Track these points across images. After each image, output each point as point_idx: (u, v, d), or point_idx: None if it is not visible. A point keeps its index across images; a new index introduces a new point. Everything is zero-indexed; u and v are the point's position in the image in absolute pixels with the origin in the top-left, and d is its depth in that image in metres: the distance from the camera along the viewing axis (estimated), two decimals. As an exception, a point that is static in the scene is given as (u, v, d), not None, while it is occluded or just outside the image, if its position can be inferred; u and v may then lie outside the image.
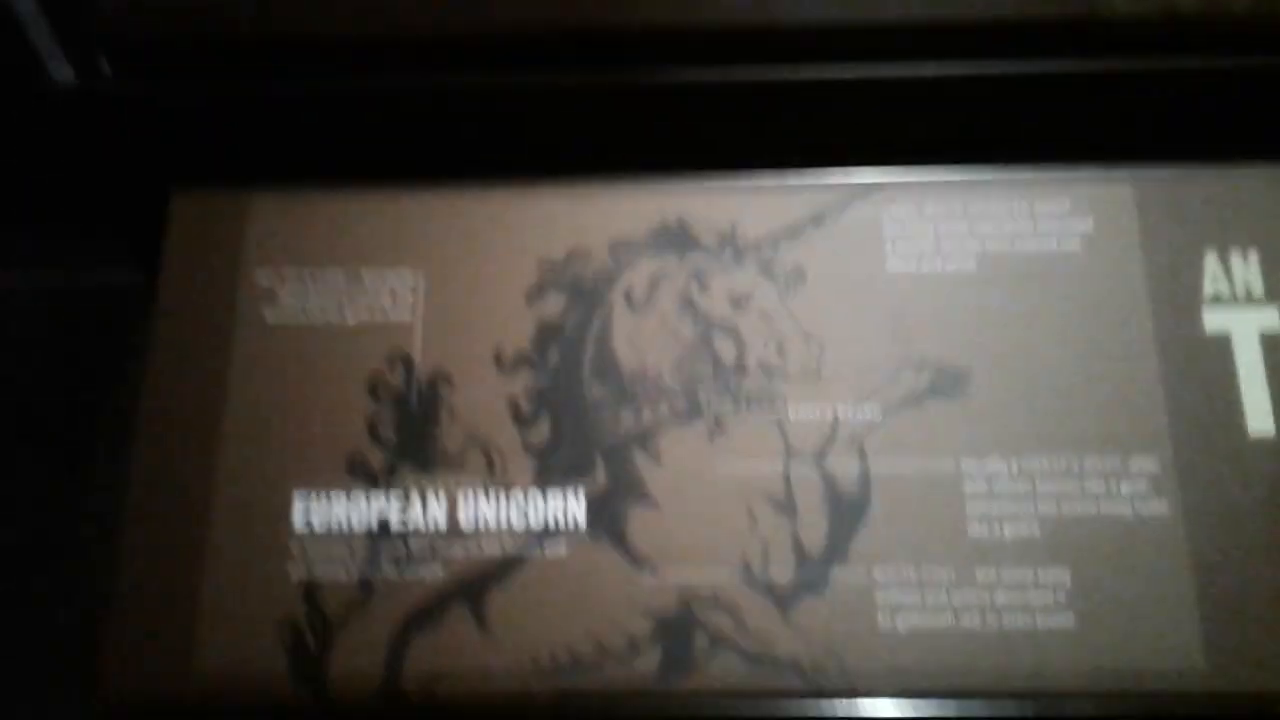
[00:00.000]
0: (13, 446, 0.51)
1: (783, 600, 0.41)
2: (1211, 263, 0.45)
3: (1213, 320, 0.44)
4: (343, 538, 0.42)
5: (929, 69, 0.46)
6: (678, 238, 0.46)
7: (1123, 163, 0.46)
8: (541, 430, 0.44)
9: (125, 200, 0.52)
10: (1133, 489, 0.42)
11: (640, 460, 0.43)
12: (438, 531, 0.42)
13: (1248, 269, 0.44)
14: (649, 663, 0.40)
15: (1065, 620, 0.40)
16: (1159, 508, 0.42)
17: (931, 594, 0.41)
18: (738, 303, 0.45)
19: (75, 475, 0.51)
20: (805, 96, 0.47)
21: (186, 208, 0.48)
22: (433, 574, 0.42)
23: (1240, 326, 0.44)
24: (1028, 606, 0.41)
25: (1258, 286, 0.44)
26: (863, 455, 0.43)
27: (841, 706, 0.40)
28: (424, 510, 0.43)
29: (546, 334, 0.45)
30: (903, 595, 0.41)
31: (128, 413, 0.49)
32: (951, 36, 0.46)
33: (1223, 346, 0.44)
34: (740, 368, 0.44)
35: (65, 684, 0.46)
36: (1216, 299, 0.44)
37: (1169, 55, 0.46)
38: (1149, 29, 0.46)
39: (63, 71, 0.48)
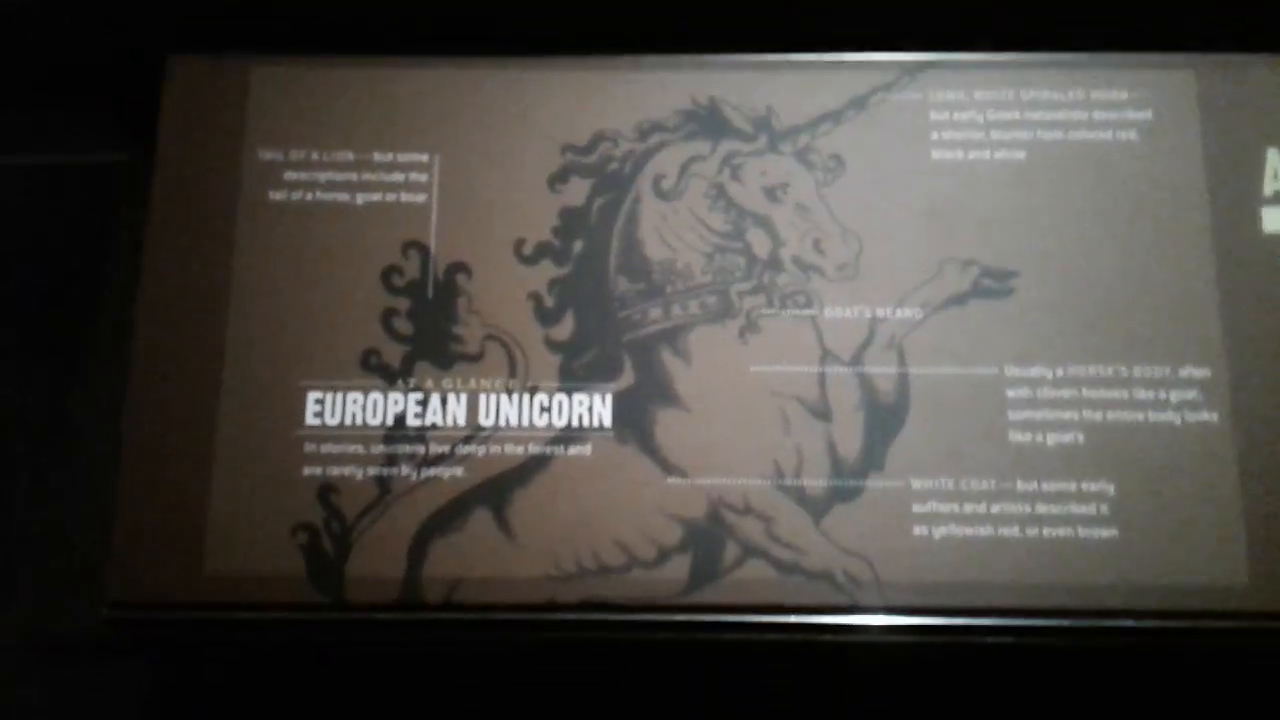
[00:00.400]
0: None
1: (816, 509, 0.40)
2: (1274, 158, 0.42)
3: (1273, 219, 0.42)
4: (358, 436, 0.41)
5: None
6: (710, 121, 0.43)
7: (1185, 49, 0.43)
8: (565, 326, 0.42)
9: (117, 69, 0.48)
10: (1182, 397, 0.40)
11: (669, 359, 0.41)
12: (457, 431, 0.41)
13: (1312, 166, 0.42)
14: (678, 570, 0.39)
15: (1108, 533, 0.39)
16: (1208, 417, 0.40)
17: (970, 504, 0.40)
18: (773, 193, 0.43)
19: (68, 361, 0.48)
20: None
21: (183, 76, 0.44)
22: (452, 475, 0.40)
23: (1301, 227, 0.42)
24: (1069, 518, 0.39)
25: (1322, 185, 0.42)
26: (902, 358, 0.41)
27: (875, 621, 0.39)
28: (443, 408, 0.41)
29: (570, 223, 0.43)
30: (940, 505, 0.39)
31: (119, 299, 0.47)
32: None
33: (1281, 248, 0.42)
34: (775, 263, 0.42)
35: (73, 585, 0.44)
36: (1277, 197, 0.42)
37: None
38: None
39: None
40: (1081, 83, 0.43)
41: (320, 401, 0.41)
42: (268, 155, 0.43)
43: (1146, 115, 0.43)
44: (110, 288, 0.49)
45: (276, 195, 0.43)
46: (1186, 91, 0.43)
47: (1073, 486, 0.40)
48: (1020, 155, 0.43)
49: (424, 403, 0.41)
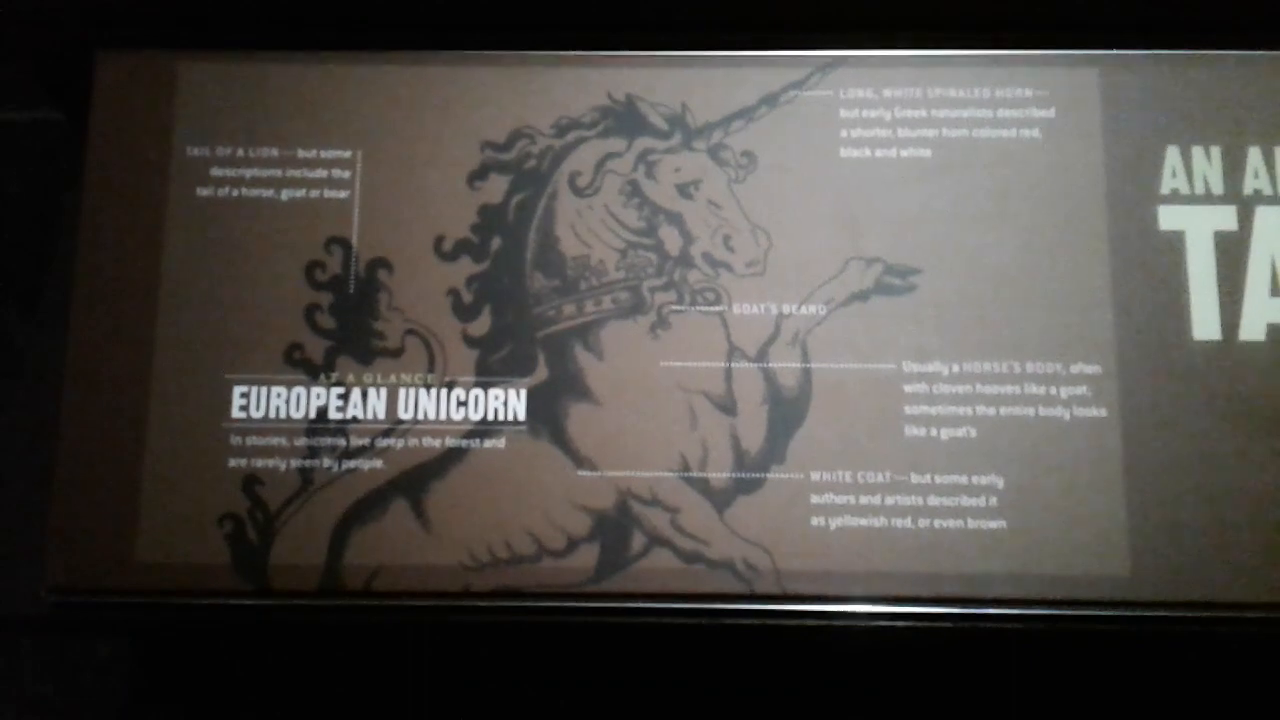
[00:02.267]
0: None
1: (719, 500, 0.41)
2: (1173, 157, 0.43)
3: (1168, 218, 0.43)
4: (281, 429, 0.42)
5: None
6: (626, 118, 0.44)
7: (1090, 47, 0.44)
8: (483, 322, 0.43)
9: (47, 55, 0.49)
10: (1072, 393, 0.42)
11: (581, 355, 0.43)
12: (377, 424, 0.42)
13: (1209, 166, 0.43)
14: (586, 559, 0.41)
15: (996, 524, 0.41)
16: (1096, 412, 0.42)
17: (866, 496, 0.41)
18: (685, 190, 0.44)
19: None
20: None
21: (112, 71, 0.45)
22: (372, 467, 0.42)
23: (1195, 225, 0.43)
24: (960, 510, 0.41)
25: (1217, 184, 0.43)
26: (805, 354, 0.42)
27: (773, 608, 0.40)
28: (364, 402, 0.42)
29: (488, 220, 0.44)
30: (837, 497, 0.41)
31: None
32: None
33: (1176, 246, 0.43)
34: (685, 260, 0.43)
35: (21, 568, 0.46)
36: (1174, 195, 0.43)
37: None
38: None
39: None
40: (987, 81, 0.44)
41: (245, 395, 0.42)
42: (195, 151, 0.44)
43: (1050, 113, 0.44)
44: (55, 257, 0.50)
45: (204, 191, 0.44)
46: (1089, 89, 0.44)
47: (964, 479, 0.41)
48: (926, 153, 0.44)
49: (345, 396, 0.43)
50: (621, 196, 0.44)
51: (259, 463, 0.42)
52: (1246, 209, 0.43)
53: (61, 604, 0.41)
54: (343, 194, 0.44)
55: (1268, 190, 0.43)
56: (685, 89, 0.45)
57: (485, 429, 0.42)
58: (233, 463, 0.42)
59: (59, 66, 0.49)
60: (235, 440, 0.42)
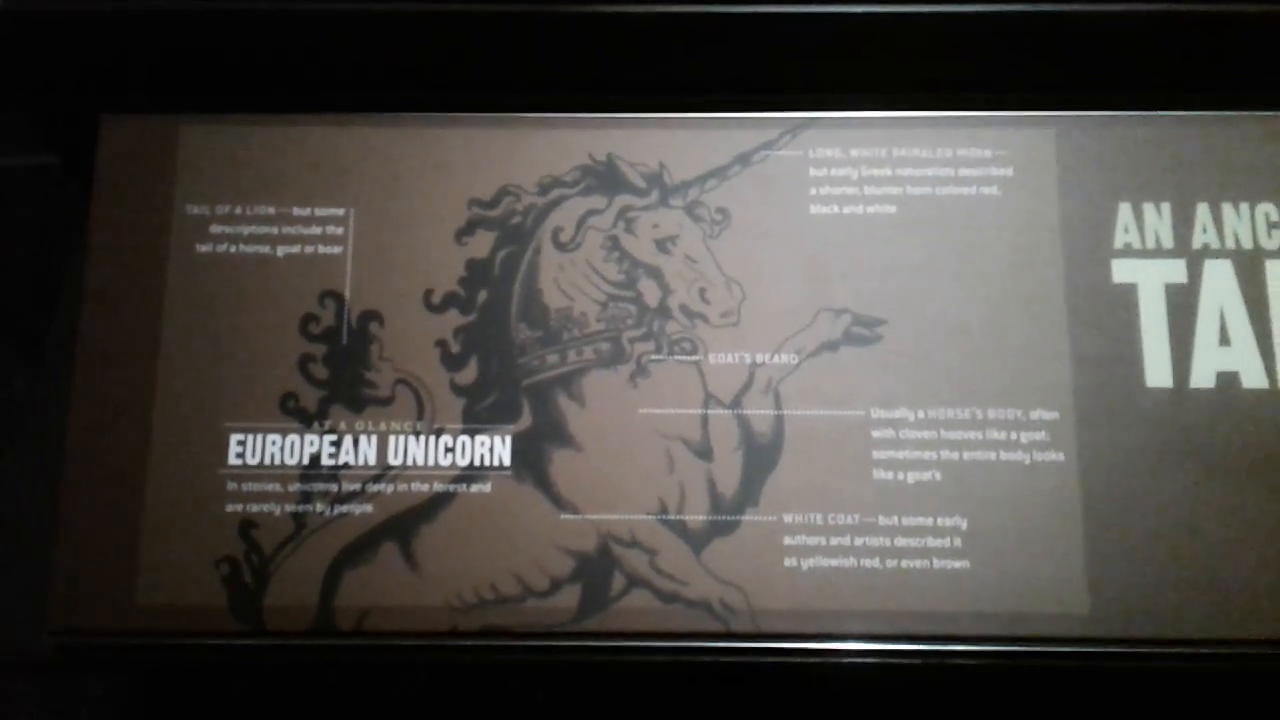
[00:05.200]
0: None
1: (696, 542, 0.43)
2: (1125, 213, 0.46)
3: (1122, 271, 0.45)
4: (276, 475, 0.44)
5: (860, 8, 0.46)
6: (606, 177, 0.47)
7: (1047, 108, 0.47)
8: (469, 371, 0.45)
9: (52, 117, 0.51)
10: (1031, 438, 0.44)
11: (564, 402, 0.45)
12: (368, 470, 0.44)
13: (1160, 220, 0.45)
14: (568, 600, 0.43)
15: (960, 564, 0.43)
16: (1055, 456, 0.44)
17: (836, 537, 0.43)
18: (663, 245, 0.46)
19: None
20: (734, 32, 0.47)
21: (116, 134, 0.47)
22: (363, 511, 0.44)
23: (1147, 278, 0.45)
24: (925, 550, 0.43)
25: (1167, 238, 0.45)
26: (778, 401, 0.44)
27: (748, 646, 0.42)
28: (355, 448, 0.44)
29: (475, 273, 0.46)
30: (809, 538, 0.43)
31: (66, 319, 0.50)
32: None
33: (1129, 298, 0.45)
34: (663, 311, 0.45)
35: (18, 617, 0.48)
36: (1127, 249, 0.45)
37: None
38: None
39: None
40: (949, 141, 0.47)
41: (242, 442, 0.44)
42: (195, 210, 0.47)
43: (1008, 172, 0.46)
44: (58, 309, 0.52)
45: (203, 247, 0.46)
46: (1046, 149, 0.46)
47: (930, 521, 0.43)
48: (891, 210, 0.46)
49: (337, 443, 0.44)
50: (602, 251, 0.46)
51: (254, 508, 0.44)
52: (1195, 262, 0.45)
53: (63, 646, 0.43)
54: (336, 250, 0.46)
55: (1215, 244, 0.45)
56: (663, 149, 0.47)
57: (472, 474, 0.44)
58: (230, 508, 0.44)
59: (64, 128, 0.51)
60: (232, 486, 0.44)
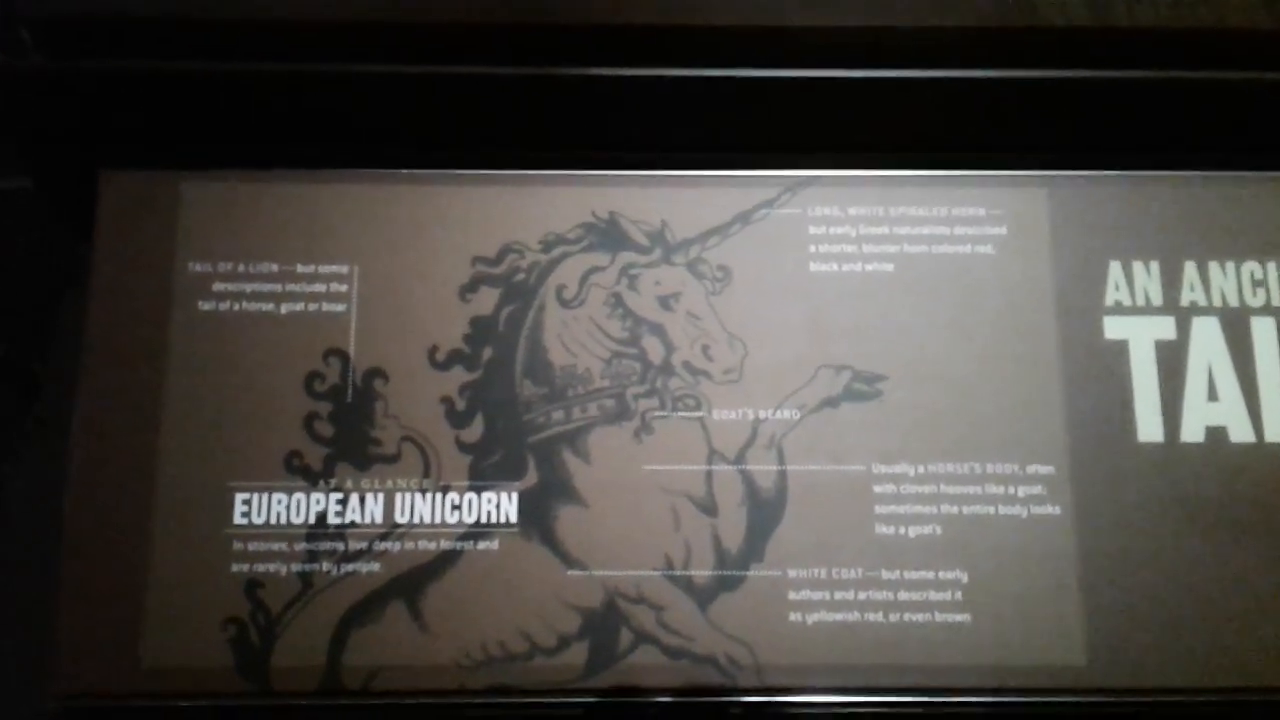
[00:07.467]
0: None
1: (702, 598, 0.44)
2: (1116, 271, 0.47)
3: (1113, 327, 0.46)
4: (282, 534, 0.44)
5: (858, 73, 0.47)
6: (609, 234, 0.47)
7: (1039, 168, 0.48)
8: (475, 428, 0.45)
9: (54, 173, 0.51)
10: (1028, 492, 0.45)
11: (569, 459, 0.45)
12: (374, 528, 0.44)
13: (1149, 278, 0.47)
14: (576, 657, 0.43)
15: (961, 617, 0.44)
16: (1052, 510, 0.45)
17: (840, 592, 0.44)
18: (666, 302, 0.47)
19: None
20: (735, 94, 0.48)
21: (116, 191, 0.47)
22: (370, 570, 0.44)
23: (1138, 334, 0.46)
24: (927, 604, 0.44)
25: (1157, 296, 0.47)
26: (781, 457, 0.45)
27: (753, 701, 0.43)
28: (361, 507, 0.44)
29: (480, 330, 0.46)
30: (813, 593, 0.44)
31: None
32: (879, 43, 0.46)
33: (1120, 354, 0.46)
34: (667, 368, 0.46)
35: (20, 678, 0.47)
36: (1118, 306, 0.47)
37: (1089, 66, 0.47)
38: (1072, 39, 0.47)
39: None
40: (945, 199, 0.48)
41: (247, 501, 0.44)
42: (197, 267, 0.47)
43: (1002, 231, 0.47)
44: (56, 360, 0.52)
45: (206, 305, 0.46)
46: (1038, 208, 0.48)
47: (931, 575, 0.44)
48: (889, 267, 0.47)
49: (344, 502, 0.45)
50: (606, 308, 0.47)
51: (260, 567, 0.44)
52: (1184, 319, 0.46)
53: (69, 709, 0.43)
54: (340, 307, 0.46)
55: (1202, 302, 0.47)
56: (665, 207, 0.48)
57: (478, 531, 0.44)
58: (235, 568, 0.44)
59: (64, 184, 0.51)
60: (237, 546, 0.44)
